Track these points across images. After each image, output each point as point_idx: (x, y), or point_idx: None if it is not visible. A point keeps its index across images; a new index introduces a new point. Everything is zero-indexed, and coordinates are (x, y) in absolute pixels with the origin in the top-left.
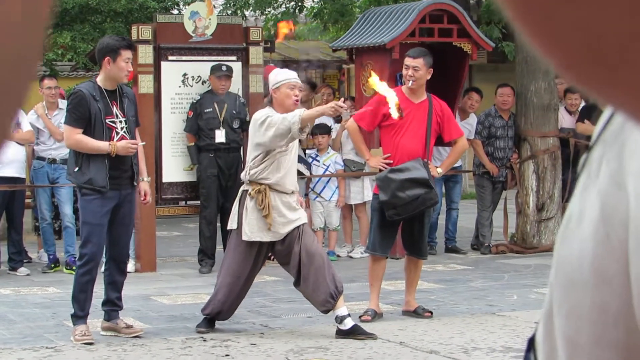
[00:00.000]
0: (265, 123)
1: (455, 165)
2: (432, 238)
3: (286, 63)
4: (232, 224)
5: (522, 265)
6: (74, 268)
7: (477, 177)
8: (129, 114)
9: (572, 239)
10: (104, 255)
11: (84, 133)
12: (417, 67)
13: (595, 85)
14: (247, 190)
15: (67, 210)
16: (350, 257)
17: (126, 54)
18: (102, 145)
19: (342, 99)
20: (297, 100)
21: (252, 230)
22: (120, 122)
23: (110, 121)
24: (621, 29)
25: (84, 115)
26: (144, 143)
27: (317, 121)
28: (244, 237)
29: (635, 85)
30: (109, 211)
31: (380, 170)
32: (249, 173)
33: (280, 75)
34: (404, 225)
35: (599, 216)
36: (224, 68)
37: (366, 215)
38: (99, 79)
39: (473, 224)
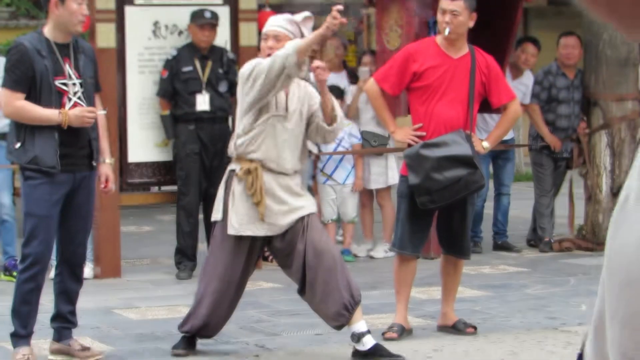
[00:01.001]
0: (253, 74)
1: (506, 138)
2: (476, 232)
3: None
4: (216, 215)
5: (592, 266)
6: (15, 273)
7: (534, 153)
8: (86, 74)
9: (629, 224)
10: (53, 256)
11: (26, 98)
12: (456, 11)
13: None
14: (235, 170)
15: (4, 199)
16: (371, 257)
17: None
18: (50, 113)
19: (363, 54)
20: (269, 55)
21: (241, 221)
22: (74, 84)
23: (60, 83)
24: None
25: (26, 75)
26: (105, 111)
27: (327, 82)
28: (231, 231)
29: None
30: (60, 200)
31: (410, 146)
32: (235, 145)
33: (266, 26)
34: (440, 215)
35: None
36: (207, 14)
37: (391, 203)
38: (47, 30)
39: (529, 214)
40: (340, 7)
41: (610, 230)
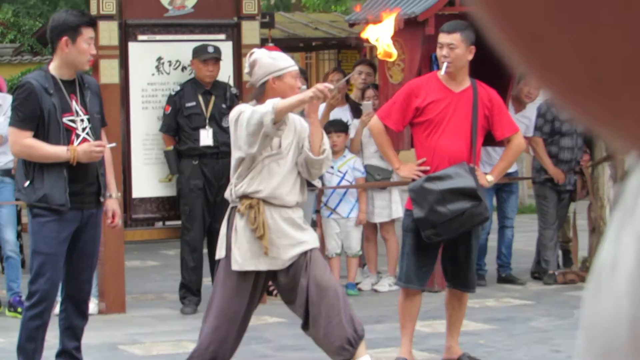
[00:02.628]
0: (238, 122)
1: (510, 170)
2: (480, 265)
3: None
4: (220, 252)
5: None
6: (20, 310)
7: (537, 185)
8: (93, 110)
9: (605, 296)
10: (59, 293)
11: (35, 137)
12: (452, 44)
13: (598, 117)
14: (237, 207)
15: (9, 235)
16: (376, 290)
17: (88, 32)
18: (58, 150)
19: (366, 88)
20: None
21: (244, 257)
22: (82, 120)
23: (68, 120)
24: (623, 51)
25: (34, 113)
26: (114, 144)
27: (331, 117)
28: (235, 267)
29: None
30: (67, 237)
31: (414, 180)
32: (234, 191)
33: (281, 60)
34: (445, 249)
35: (637, 266)
36: (210, 49)
37: (395, 236)
38: (53, 67)
39: (533, 246)
40: (331, 86)
41: (585, 301)
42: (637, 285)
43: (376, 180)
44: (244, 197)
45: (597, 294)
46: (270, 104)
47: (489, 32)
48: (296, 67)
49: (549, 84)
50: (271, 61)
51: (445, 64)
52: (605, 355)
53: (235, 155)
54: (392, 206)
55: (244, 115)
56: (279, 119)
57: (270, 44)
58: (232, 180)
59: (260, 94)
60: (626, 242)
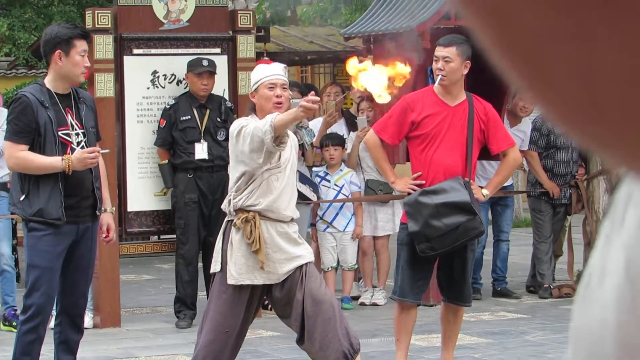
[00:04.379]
0: (240, 135)
1: (505, 184)
2: (475, 279)
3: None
4: (215, 266)
5: None
6: (15, 324)
7: (532, 199)
8: (88, 124)
9: (593, 303)
10: (54, 307)
11: (30, 150)
12: (448, 57)
13: (592, 136)
14: (232, 221)
15: (3, 249)
16: (375, 304)
17: (82, 45)
18: (53, 161)
19: (360, 101)
20: (279, 103)
21: (240, 270)
22: (77, 134)
23: (63, 134)
24: (621, 72)
25: (30, 127)
26: (107, 150)
27: (328, 130)
28: (230, 281)
29: (635, 136)
30: (63, 251)
31: (409, 194)
32: (232, 203)
33: (260, 72)
34: (440, 263)
35: (624, 275)
36: (205, 63)
37: (387, 251)
38: (48, 80)
39: (528, 260)
40: (316, 98)
41: (575, 308)
42: (623, 294)
43: (378, 194)
44: (240, 210)
45: (585, 302)
46: (269, 122)
47: (485, 48)
48: (273, 77)
49: (544, 102)
50: (254, 75)
51: (439, 77)
52: None
53: (237, 168)
54: (396, 220)
55: (245, 131)
56: (278, 135)
57: (266, 58)
58: (231, 192)
59: (252, 106)
60: (614, 252)
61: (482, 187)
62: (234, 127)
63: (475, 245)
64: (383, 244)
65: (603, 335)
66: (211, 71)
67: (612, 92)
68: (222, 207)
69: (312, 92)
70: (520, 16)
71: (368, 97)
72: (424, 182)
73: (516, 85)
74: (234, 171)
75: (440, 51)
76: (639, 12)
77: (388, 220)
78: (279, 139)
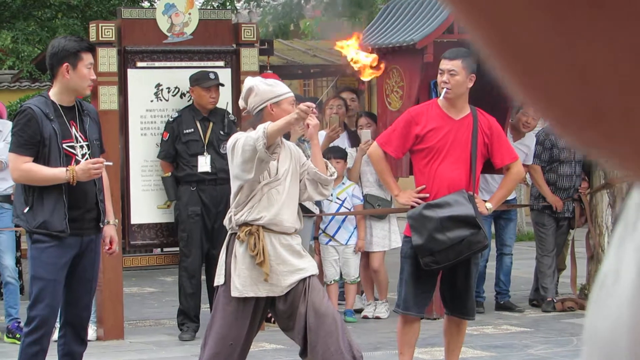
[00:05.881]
0: (234, 150)
1: (509, 198)
2: (478, 292)
3: (288, 69)
4: (218, 279)
5: None
6: (18, 336)
7: (535, 212)
8: (92, 136)
9: (607, 304)
10: (57, 319)
11: (35, 162)
12: (453, 70)
13: (596, 144)
14: (236, 233)
15: (7, 261)
16: (378, 317)
17: (88, 58)
18: (57, 172)
19: (359, 117)
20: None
21: (244, 283)
22: (82, 147)
23: (68, 146)
24: (624, 78)
25: (34, 139)
26: (111, 163)
27: (330, 144)
28: (234, 293)
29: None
30: (67, 263)
31: (413, 207)
32: (233, 219)
33: (278, 87)
34: (444, 276)
35: (637, 277)
36: (212, 75)
37: (384, 267)
38: (53, 93)
39: (531, 274)
40: (313, 105)
41: (588, 309)
42: (637, 294)
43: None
44: (244, 224)
45: (599, 303)
46: (261, 129)
47: (486, 59)
48: (292, 94)
49: (547, 112)
50: (269, 88)
51: (444, 90)
52: None
53: (235, 183)
54: (392, 236)
55: (239, 143)
56: (271, 143)
57: (269, 71)
58: (232, 208)
59: (258, 121)
60: (628, 254)
61: (485, 201)
62: (230, 142)
63: (478, 259)
64: (381, 261)
65: (618, 335)
66: (218, 84)
67: (611, 97)
68: (224, 223)
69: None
70: (516, 24)
71: (366, 112)
72: (427, 195)
73: (517, 96)
74: (233, 186)
75: (445, 64)
76: (631, 14)
77: (384, 237)
78: (271, 148)
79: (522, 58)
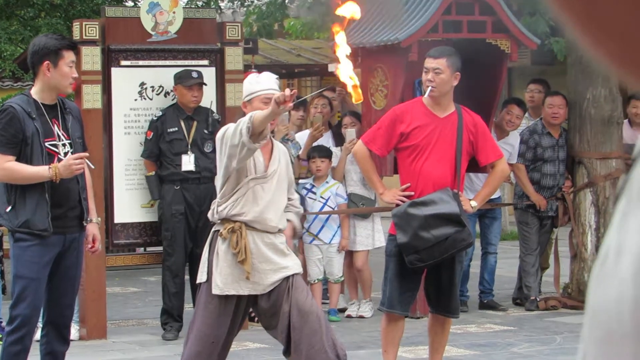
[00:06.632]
0: (224, 137)
1: (493, 197)
2: (462, 291)
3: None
4: (201, 276)
5: (578, 325)
6: (0, 336)
7: (519, 211)
8: (75, 134)
9: (610, 280)
10: (40, 318)
11: (17, 161)
12: (438, 69)
13: None
14: (219, 231)
15: None
16: (362, 316)
17: (69, 55)
18: (40, 170)
19: (344, 116)
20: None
21: (225, 281)
22: (64, 145)
23: (50, 144)
24: None
25: (17, 137)
26: (93, 167)
27: (314, 143)
28: (215, 291)
29: None
30: (50, 262)
31: (398, 205)
32: (217, 211)
33: (255, 84)
34: (428, 274)
35: None
36: (195, 74)
37: (368, 266)
38: (35, 91)
39: (514, 273)
40: (286, 92)
41: (590, 286)
42: None
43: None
44: (226, 219)
45: (601, 280)
46: (248, 116)
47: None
48: (269, 91)
49: (604, 42)
50: (248, 85)
51: (429, 88)
52: (607, 339)
53: (220, 172)
54: (375, 235)
55: (228, 132)
56: (256, 131)
57: (253, 70)
58: (216, 199)
59: (243, 117)
60: (632, 227)
61: (470, 199)
62: (220, 132)
63: (463, 257)
64: (365, 260)
65: (620, 312)
66: (201, 83)
67: None
68: (208, 215)
69: (294, 90)
70: None
71: (351, 112)
72: (412, 193)
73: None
74: (220, 178)
75: (430, 63)
76: None
77: (367, 236)
78: (258, 136)
79: None
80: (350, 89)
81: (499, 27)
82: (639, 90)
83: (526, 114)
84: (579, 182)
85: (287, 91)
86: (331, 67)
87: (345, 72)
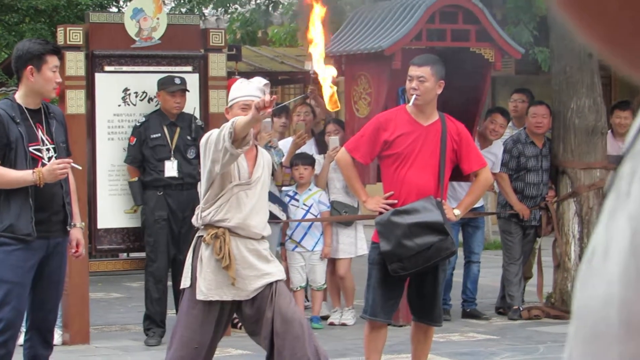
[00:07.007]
0: (208, 142)
1: (476, 205)
2: (445, 299)
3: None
4: (185, 282)
5: (561, 334)
6: None
7: (502, 220)
8: (58, 139)
9: (596, 279)
10: (23, 323)
11: (1, 165)
12: (422, 77)
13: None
14: (202, 236)
15: None
16: (344, 324)
17: (53, 60)
18: (24, 174)
19: (327, 123)
20: None
21: (209, 286)
22: (48, 149)
23: (34, 149)
24: None
25: (1, 142)
26: (79, 167)
27: (297, 151)
28: (199, 296)
29: None
30: (34, 266)
31: (381, 213)
32: (200, 217)
33: (235, 90)
34: (411, 282)
35: (630, 248)
36: (177, 81)
37: (350, 273)
38: (19, 96)
39: (497, 282)
40: (266, 98)
41: (577, 286)
42: (628, 269)
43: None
44: (210, 225)
45: (587, 280)
46: (230, 122)
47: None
48: (248, 97)
49: (597, 29)
50: (231, 91)
51: (413, 96)
52: (594, 339)
53: (203, 178)
54: (358, 243)
55: (212, 137)
56: (238, 136)
57: (237, 77)
58: (200, 205)
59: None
60: (619, 224)
61: (453, 208)
62: (203, 139)
63: (446, 265)
64: (347, 267)
65: (607, 312)
66: (184, 89)
67: None
68: (192, 220)
69: (274, 96)
70: None
71: (335, 120)
72: (396, 201)
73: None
74: (204, 183)
75: (414, 71)
76: None
77: (350, 244)
78: (240, 142)
79: None
80: (326, 98)
81: (483, 36)
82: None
83: (510, 124)
84: (562, 192)
85: (267, 97)
86: (307, 66)
87: (325, 79)
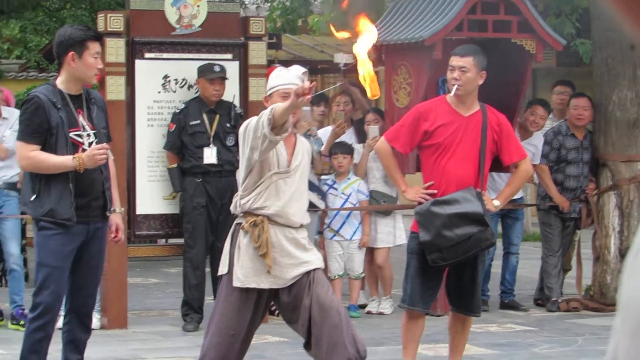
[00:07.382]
0: (247, 129)
1: (516, 197)
2: (483, 290)
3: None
4: (222, 268)
5: (600, 327)
6: (23, 323)
7: (542, 212)
8: (99, 125)
9: None
10: (62, 306)
11: (42, 150)
12: (464, 67)
13: None
14: (241, 224)
15: (13, 249)
16: (382, 313)
17: (95, 46)
18: (64, 159)
19: (367, 112)
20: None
21: (247, 274)
22: (88, 135)
23: (75, 135)
24: None
25: (42, 127)
26: (112, 157)
27: (337, 140)
28: (236, 283)
29: None
30: (73, 251)
31: (420, 203)
32: (239, 204)
33: (275, 78)
34: (450, 272)
35: None
36: (217, 68)
37: (389, 263)
38: (60, 81)
39: (536, 274)
40: (306, 83)
41: (623, 279)
42: None
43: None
44: (248, 213)
45: (633, 273)
46: (270, 108)
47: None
48: (288, 85)
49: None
50: (270, 79)
51: (455, 86)
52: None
53: (242, 165)
54: (396, 232)
55: (251, 123)
56: (277, 123)
57: (277, 65)
58: (239, 192)
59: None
60: None
61: (493, 199)
62: (242, 126)
63: (485, 256)
64: (385, 257)
65: None
66: (223, 77)
67: None
68: (231, 208)
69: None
70: None
71: (374, 109)
72: (435, 191)
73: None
74: (243, 171)
75: (456, 61)
76: None
77: (389, 233)
78: (279, 129)
79: None
80: (366, 85)
81: (524, 27)
82: None
83: (550, 115)
84: (603, 185)
85: (307, 83)
86: (337, 58)
87: (363, 66)
